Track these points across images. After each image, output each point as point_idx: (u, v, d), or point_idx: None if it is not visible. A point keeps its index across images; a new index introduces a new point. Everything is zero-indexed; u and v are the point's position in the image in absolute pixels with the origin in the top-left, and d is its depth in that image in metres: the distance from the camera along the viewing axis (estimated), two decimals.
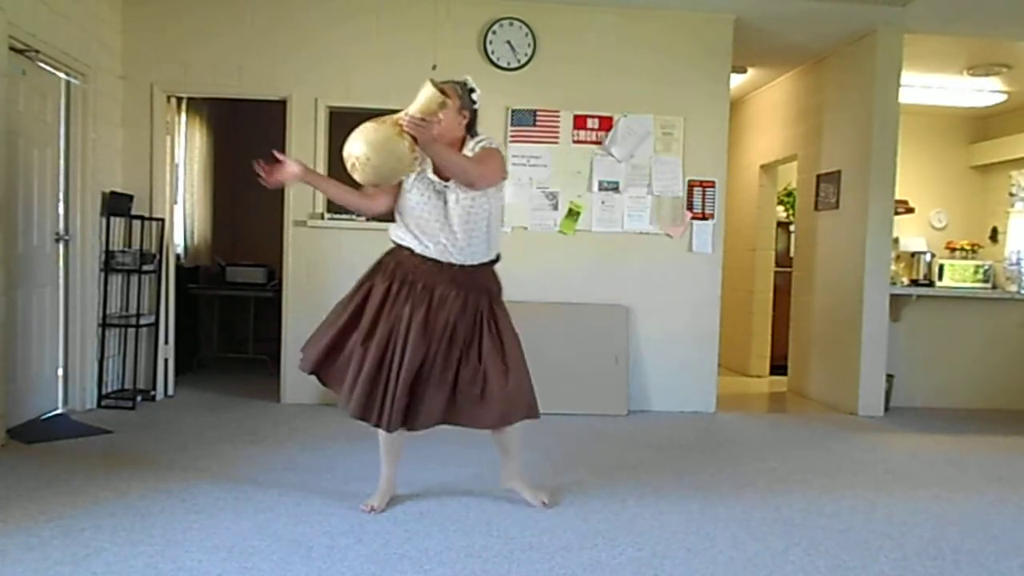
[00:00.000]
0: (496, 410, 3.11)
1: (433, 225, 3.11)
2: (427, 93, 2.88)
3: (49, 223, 4.67)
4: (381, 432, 3.19)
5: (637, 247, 5.59)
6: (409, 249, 3.16)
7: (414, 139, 2.87)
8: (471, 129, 3.23)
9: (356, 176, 2.94)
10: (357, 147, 2.86)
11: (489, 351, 3.11)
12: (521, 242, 5.45)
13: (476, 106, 3.24)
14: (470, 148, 3.16)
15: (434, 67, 5.40)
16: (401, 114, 2.88)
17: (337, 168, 5.71)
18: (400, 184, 3.15)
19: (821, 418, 5.65)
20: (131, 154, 5.34)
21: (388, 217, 5.54)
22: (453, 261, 3.11)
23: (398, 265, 3.18)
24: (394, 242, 3.25)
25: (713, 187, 5.63)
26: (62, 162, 4.78)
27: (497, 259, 3.26)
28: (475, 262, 3.15)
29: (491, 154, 3.13)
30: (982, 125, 8.00)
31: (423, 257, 3.13)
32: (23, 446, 4.03)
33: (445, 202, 3.09)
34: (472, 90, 3.21)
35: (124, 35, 5.29)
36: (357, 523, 3.07)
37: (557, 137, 5.49)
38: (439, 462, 3.99)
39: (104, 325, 5.12)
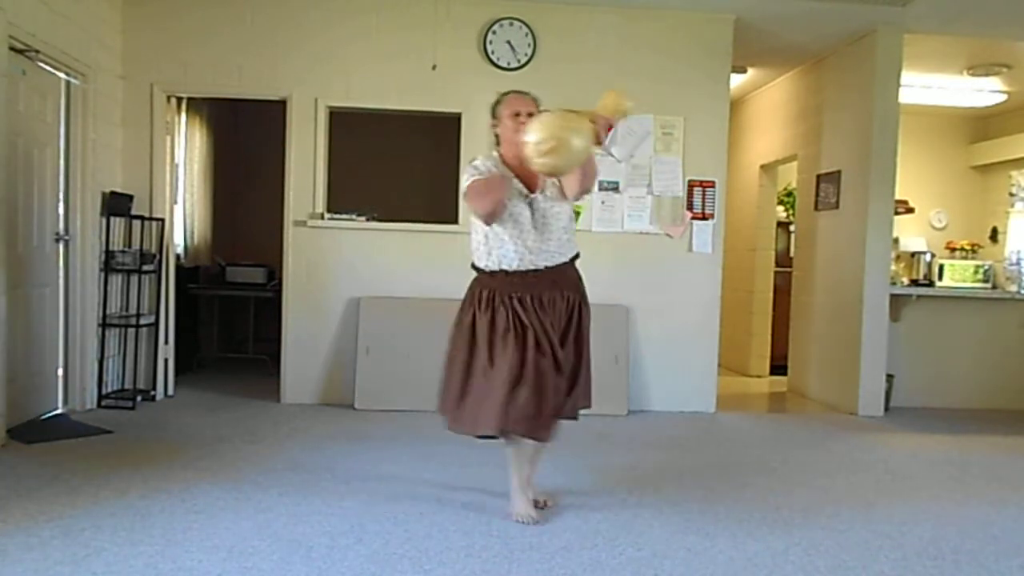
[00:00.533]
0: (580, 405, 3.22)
1: (531, 232, 3.10)
2: (618, 100, 2.98)
3: (49, 223, 4.67)
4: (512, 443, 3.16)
5: (637, 247, 5.59)
6: (503, 271, 3.12)
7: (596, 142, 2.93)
8: None
9: (547, 159, 2.84)
10: (548, 137, 2.81)
11: (577, 346, 3.18)
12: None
13: None
14: None
15: (434, 67, 5.40)
16: (592, 114, 2.93)
17: (337, 167, 5.74)
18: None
19: (821, 418, 5.65)
20: (131, 154, 5.34)
21: (391, 218, 5.52)
22: (548, 264, 3.12)
23: (495, 290, 3.13)
24: (485, 269, 3.19)
25: (713, 187, 5.63)
26: (62, 162, 4.78)
27: (578, 255, 3.30)
28: (565, 260, 3.19)
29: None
30: (982, 125, 8.00)
31: (521, 271, 3.10)
32: (23, 446, 4.03)
33: (533, 211, 3.11)
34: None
35: (124, 35, 5.29)
36: (357, 523, 3.07)
37: None
38: (439, 462, 3.99)
39: (104, 325, 5.12)
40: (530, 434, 3.05)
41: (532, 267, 3.10)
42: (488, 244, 3.15)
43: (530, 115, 3.06)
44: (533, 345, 3.02)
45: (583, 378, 3.20)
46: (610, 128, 2.91)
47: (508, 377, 2.99)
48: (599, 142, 2.92)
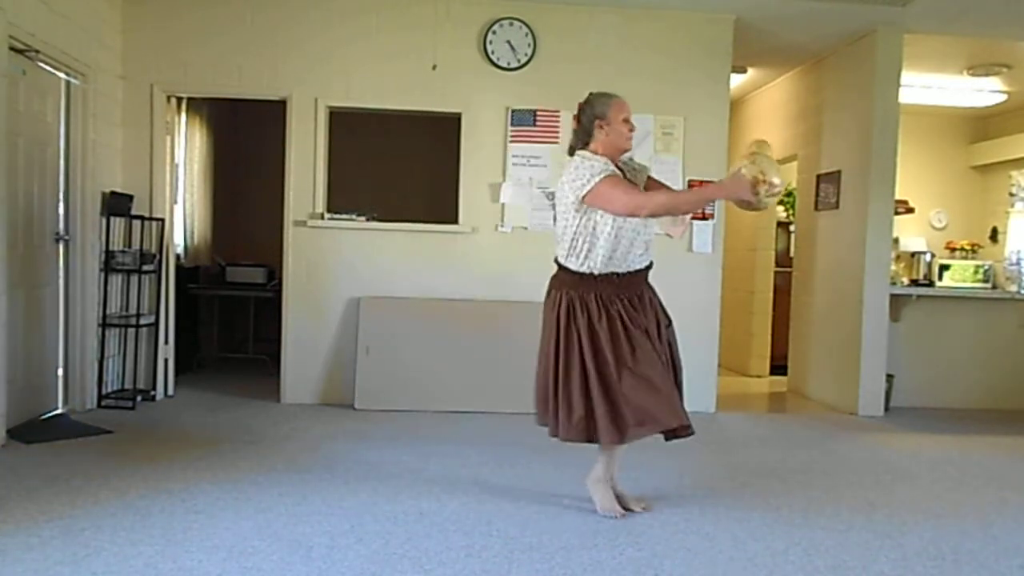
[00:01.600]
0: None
1: (641, 237, 3.27)
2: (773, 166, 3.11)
3: (49, 223, 4.67)
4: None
5: None
6: (614, 273, 3.22)
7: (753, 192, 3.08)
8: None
9: (768, 200, 3.14)
10: (778, 178, 3.09)
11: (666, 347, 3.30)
12: (521, 242, 5.46)
13: None
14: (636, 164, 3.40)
15: (434, 67, 5.40)
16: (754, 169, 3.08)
17: (337, 167, 5.74)
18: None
19: (821, 418, 5.65)
20: (131, 154, 5.34)
21: (391, 218, 5.53)
22: (642, 266, 3.30)
23: (584, 295, 3.20)
24: (583, 273, 3.21)
25: None
26: (62, 162, 4.78)
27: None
28: (649, 262, 3.35)
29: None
30: (982, 125, 8.00)
31: (624, 273, 3.23)
32: (23, 446, 4.03)
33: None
34: None
35: (124, 35, 5.29)
36: (357, 523, 3.07)
37: (557, 137, 5.48)
38: (439, 462, 3.99)
39: (104, 325, 5.12)
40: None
41: (636, 268, 3.27)
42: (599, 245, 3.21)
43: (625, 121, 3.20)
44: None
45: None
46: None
47: (663, 370, 3.16)
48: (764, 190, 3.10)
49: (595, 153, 3.21)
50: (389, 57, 5.41)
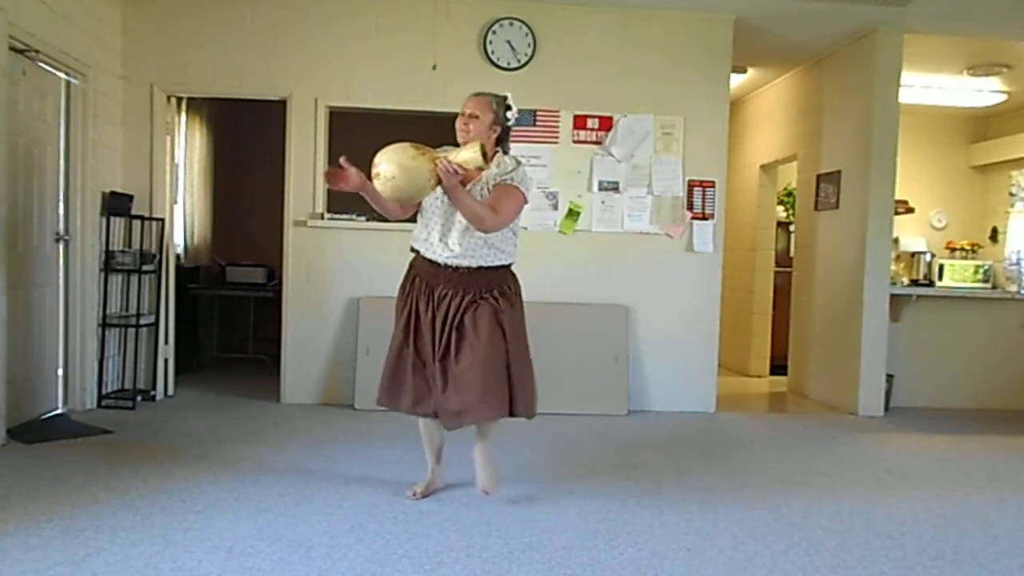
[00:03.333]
0: (453, 410, 3.19)
1: (438, 226, 3.23)
2: (472, 156, 2.99)
3: (49, 223, 4.67)
4: (419, 423, 3.43)
5: (637, 247, 5.59)
6: (418, 251, 3.31)
7: (439, 180, 3.01)
8: (502, 143, 3.30)
9: (376, 184, 3.10)
10: (388, 166, 3.02)
11: (468, 349, 3.15)
12: (521, 242, 5.45)
13: (509, 123, 3.29)
14: (493, 174, 3.20)
15: (434, 67, 5.40)
16: (440, 153, 3.02)
17: (335, 165, 5.71)
18: None
19: (821, 418, 5.65)
20: (131, 154, 5.34)
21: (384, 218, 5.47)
22: (450, 263, 3.21)
23: (412, 268, 3.35)
24: (412, 248, 3.36)
25: (713, 187, 5.63)
26: (62, 162, 4.78)
27: (507, 266, 3.31)
28: (474, 265, 3.21)
29: (509, 194, 3.18)
30: (982, 125, 8.00)
31: (427, 259, 3.27)
32: (23, 446, 4.03)
33: (455, 210, 3.16)
34: (509, 107, 3.26)
35: (124, 35, 5.29)
36: (357, 523, 3.07)
37: (557, 137, 5.49)
38: None
39: (104, 325, 5.12)
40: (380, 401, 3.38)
41: (440, 261, 3.23)
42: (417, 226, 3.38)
43: (472, 116, 3.19)
44: (414, 327, 3.25)
45: (462, 385, 3.17)
46: (457, 174, 2.95)
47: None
48: (440, 183, 3.00)
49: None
50: (389, 57, 5.41)
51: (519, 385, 3.21)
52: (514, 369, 3.20)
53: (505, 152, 3.29)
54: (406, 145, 3.04)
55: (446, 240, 3.21)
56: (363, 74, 5.42)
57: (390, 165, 3.01)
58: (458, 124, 3.24)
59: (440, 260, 3.22)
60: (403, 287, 3.34)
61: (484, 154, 3.02)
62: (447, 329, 3.18)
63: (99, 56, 5.00)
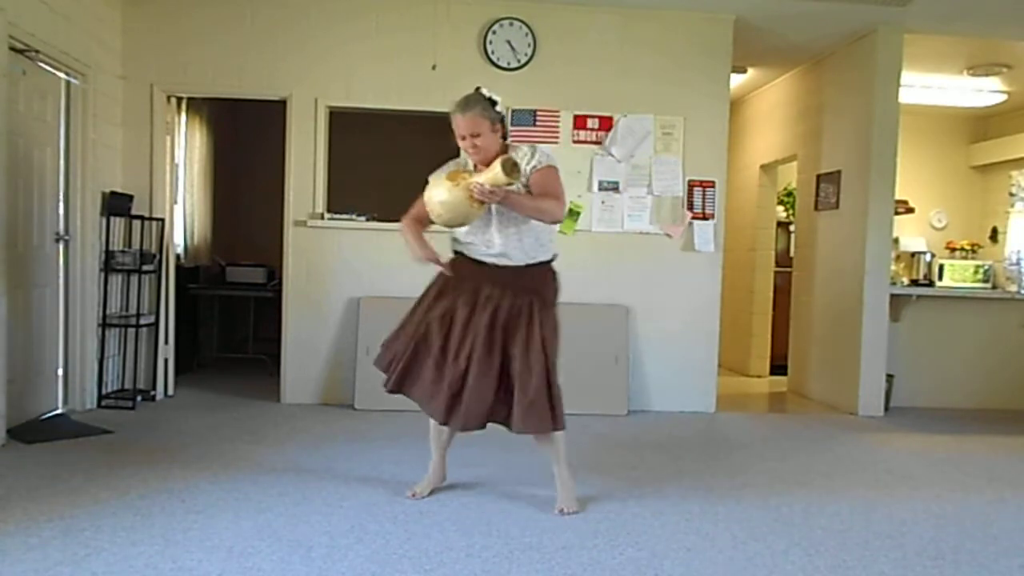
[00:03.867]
0: (519, 416, 3.14)
1: (481, 225, 3.19)
2: (498, 175, 2.98)
3: (49, 223, 4.67)
4: (431, 421, 3.38)
5: (637, 247, 5.59)
6: (460, 253, 3.30)
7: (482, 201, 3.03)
8: (504, 135, 3.28)
9: (432, 218, 3.17)
10: (432, 205, 3.09)
11: (522, 355, 3.15)
12: None
13: (503, 114, 3.25)
14: (523, 166, 3.16)
15: (434, 67, 5.40)
16: (472, 181, 3.00)
17: (336, 166, 5.74)
18: None
19: (821, 418, 5.65)
20: (131, 154, 5.34)
21: (391, 218, 5.52)
22: (498, 263, 3.20)
23: (452, 266, 3.30)
24: (454, 249, 3.36)
25: (713, 187, 5.63)
26: (62, 162, 4.78)
27: (550, 260, 3.32)
28: (521, 263, 3.21)
29: (549, 175, 3.18)
30: (982, 125, 8.00)
31: (471, 259, 3.25)
32: (23, 446, 4.03)
33: (490, 207, 3.12)
34: (493, 102, 3.19)
35: (124, 35, 5.29)
36: (357, 523, 3.07)
37: (557, 137, 5.49)
38: None
39: (104, 325, 5.12)
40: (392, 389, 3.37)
41: (479, 259, 3.23)
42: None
43: (474, 135, 3.12)
44: (454, 330, 3.23)
45: (522, 391, 3.15)
46: (492, 193, 2.96)
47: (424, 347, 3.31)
48: (481, 202, 3.01)
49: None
50: (389, 57, 5.41)
51: (555, 396, 3.19)
52: (551, 379, 3.20)
53: (504, 137, 3.26)
54: (441, 178, 3.07)
55: (491, 238, 3.19)
56: (363, 74, 5.42)
57: (433, 204, 3.08)
58: (463, 146, 3.18)
59: (487, 259, 3.21)
60: (443, 279, 3.28)
61: (507, 168, 2.98)
62: (492, 335, 3.16)
63: (99, 56, 5.00)
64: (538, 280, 3.27)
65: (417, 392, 3.28)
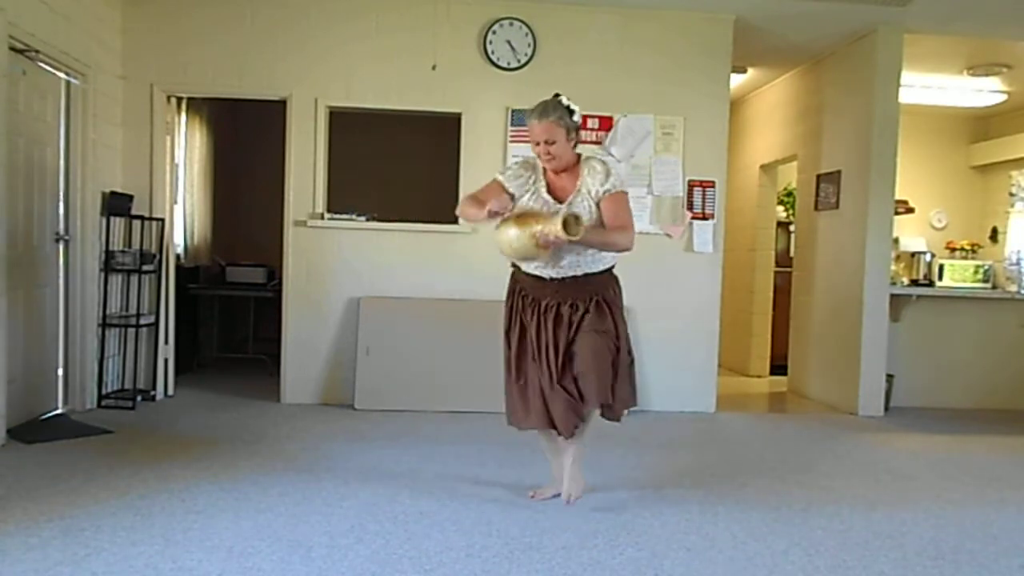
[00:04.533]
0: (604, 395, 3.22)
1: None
2: (560, 232, 2.96)
3: (49, 223, 4.67)
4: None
5: (637, 247, 5.51)
6: (518, 267, 3.32)
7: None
8: (576, 144, 3.27)
9: (500, 249, 3.16)
10: (504, 243, 3.10)
11: (590, 341, 3.19)
12: None
13: (578, 121, 3.22)
14: (596, 189, 3.17)
15: (434, 67, 5.40)
16: (538, 230, 2.99)
17: (336, 166, 5.74)
18: (510, 197, 3.25)
19: (821, 418, 5.65)
20: (131, 154, 5.34)
21: (391, 218, 5.52)
22: (568, 275, 3.22)
23: (515, 281, 3.37)
24: (512, 264, 3.36)
25: (713, 187, 5.63)
26: (62, 162, 4.78)
27: (610, 269, 3.34)
28: (591, 271, 3.24)
29: (622, 204, 3.21)
30: (982, 125, 8.00)
31: (530, 274, 3.27)
32: (23, 446, 4.03)
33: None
34: (571, 111, 3.18)
35: (124, 35, 5.29)
36: (357, 523, 3.07)
37: None
38: (439, 462, 3.99)
39: (104, 325, 5.12)
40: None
41: (551, 276, 3.23)
42: None
43: (549, 143, 3.11)
44: (531, 342, 3.28)
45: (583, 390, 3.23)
46: (555, 242, 2.97)
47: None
48: (544, 246, 3.01)
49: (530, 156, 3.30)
50: (389, 57, 5.41)
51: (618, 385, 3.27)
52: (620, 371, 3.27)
53: (576, 146, 3.24)
54: (509, 227, 3.06)
55: (549, 259, 3.17)
56: (363, 74, 5.42)
57: (502, 244, 3.10)
58: (537, 151, 3.17)
59: (544, 275, 3.23)
60: (508, 303, 3.37)
61: (570, 226, 2.96)
62: (561, 340, 3.20)
63: (99, 56, 5.00)
64: (598, 284, 3.28)
65: (533, 421, 3.34)
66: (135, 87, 5.31)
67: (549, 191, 3.22)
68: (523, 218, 3.08)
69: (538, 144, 3.14)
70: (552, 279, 3.23)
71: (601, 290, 3.27)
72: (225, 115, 7.21)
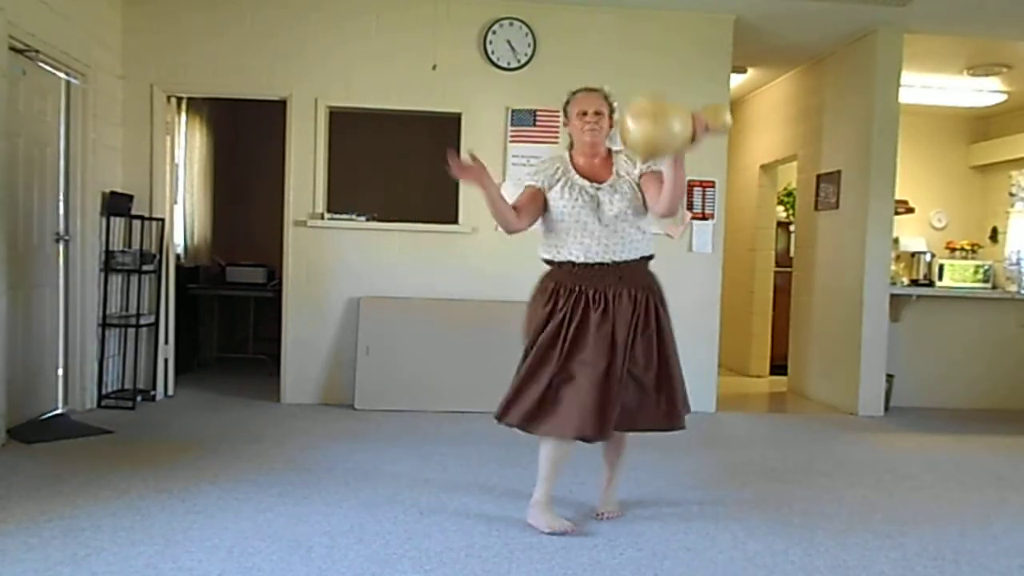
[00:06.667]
0: (662, 414, 3.10)
1: (591, 228, 3.05)
2: (727, 120, 2.82)
3: (49, 223, 4.67)
4: (551, 444, 3.08)
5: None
6: (569, 262, 3.07)
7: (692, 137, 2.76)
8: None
9: (634, 128, 2.75)
10: (675, 118, 2.73)
11: (649, 352, 3.05)
12: (521, 242, 5.44)
13: (616, 116, 3.14)
14: (635, 173, 3.11)
15: (434, 67, 5.40)
16: (698, 112, 2.75)
17: (336, 167, 5.73)
18: (544, 202, 3.12)
19: (821, 418, 5.65)
20: (131, 154, 5.34)
21: (391, 218, 5.52)
22: (616, 259, 3.06)
23: (559, 283, 3.08)
24: (548, 261, 3.15)
25: (713, 187, 5.63)
26: (62, 162, 4.78)
27: (649, 258, 3.23)
28: (635, 256, 3.12)
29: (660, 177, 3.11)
30: (982, 125, 8.00)
31: (586, 264, 3.05)
32: (23, 446, 4.03)
33: (598, 204, 3.06)
34: (612, 103, 3.15)
35: (124, 35, 5.29)
36: (357, 523, 3.07)
37: (557, 137, 5.47)
38: (439, 462, 3.99)
39: (104, 325, 5.12)
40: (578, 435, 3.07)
41: (598, 260, 3.04)
42: (551, 237, 3.13)
43: (598, 114, 3.04)
44: (591, 343, 2.99)
45: (656, 389, 3.09)
46: (707, 129, 2.73)
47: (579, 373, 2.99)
48: (695, 138, 2.74)
49: (570, 156, 3.19)
50: (389, 57, 5.41)
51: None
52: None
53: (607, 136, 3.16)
54: (678, 105, 2.75)
55: (593, 239, 3.04)
56: (363, 74, 5.42)
57: (659, 130, 2.71)
58: (580, 124, 3.07)
59: (593, 260, 3.03)
60: (544, 302, 3.05)
61: (724, 113, 2.80)
62: (624, 334, 2.99)
63: (99, 56, 4.99)
64: (649, 276, 3.19)
65: (558, 425, 3.06)
66: (135, 87, 5.31)
67: (583, 176, 3.11)
68: (655, 106, 2.73)
69: (584, 114, 3.05)
70: (611, 263, 3.04)
71: (652, 283, 3.17)
72: (225, 115, 7.21)
